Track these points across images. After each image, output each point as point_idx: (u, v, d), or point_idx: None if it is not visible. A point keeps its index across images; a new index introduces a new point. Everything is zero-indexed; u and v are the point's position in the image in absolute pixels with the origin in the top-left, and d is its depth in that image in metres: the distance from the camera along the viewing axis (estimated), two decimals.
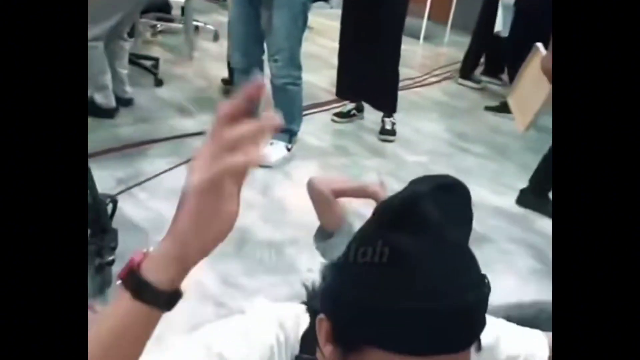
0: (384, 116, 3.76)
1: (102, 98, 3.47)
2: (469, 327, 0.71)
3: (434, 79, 4.88)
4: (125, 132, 3.41)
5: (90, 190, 1.87)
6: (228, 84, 4.07)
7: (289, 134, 3.29)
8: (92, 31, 3.12)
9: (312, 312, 0.85)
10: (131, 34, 4.63)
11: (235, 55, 3.27)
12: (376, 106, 3.79)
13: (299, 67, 3.20)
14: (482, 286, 0.72)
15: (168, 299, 0.65)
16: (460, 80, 4.88)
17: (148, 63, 4.28)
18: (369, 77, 3.65)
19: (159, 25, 5.16)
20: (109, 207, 2.01)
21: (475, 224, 0.76)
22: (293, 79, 3.20)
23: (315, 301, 0.83)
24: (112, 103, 3.55)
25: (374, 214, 0.75)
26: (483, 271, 0.73)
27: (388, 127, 3.74)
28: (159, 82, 4.10)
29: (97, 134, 3.34)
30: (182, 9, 4.83)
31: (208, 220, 0.62)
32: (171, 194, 2.84)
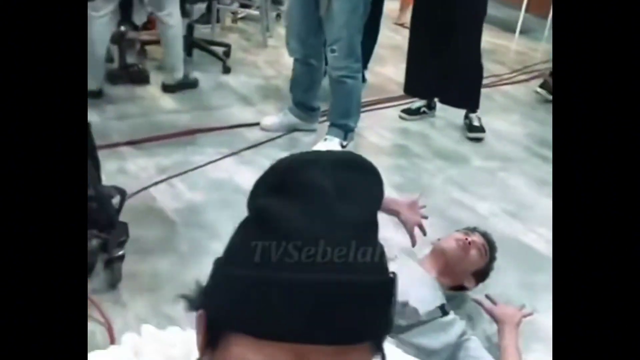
0: (468, 112, 3.46)
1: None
2: (350, 315, 0.56)
3: (523, 77, 4.49)
4: (182, 119, 3.34)
5: (92, 183, 1.77)
6: None
7: (344, 130, 3.09)
8: None
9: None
10: (207, 21, 4.61)
11: (291, 43, 3.10)
12: (454, 103, 3.49)
13: (357, 59, 2.98)
14: (373, 273, 0.58)
15: None
16: (539, 90, 4.08)
17: (220, 50, 4.21)
18: (445, 72, 3.34)
19: (239, 12, 5.11)
20: (117, 200, 1.91)
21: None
22: (351, 72, 2.98)
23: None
24: (98, 84, 3.28)
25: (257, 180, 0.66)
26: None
27: (476, 123, 3.44)
28: (226, 70, 4.02)
29: (154, 118, 3.30)
30: None
31: None
32: (210, 187, 2.73)
